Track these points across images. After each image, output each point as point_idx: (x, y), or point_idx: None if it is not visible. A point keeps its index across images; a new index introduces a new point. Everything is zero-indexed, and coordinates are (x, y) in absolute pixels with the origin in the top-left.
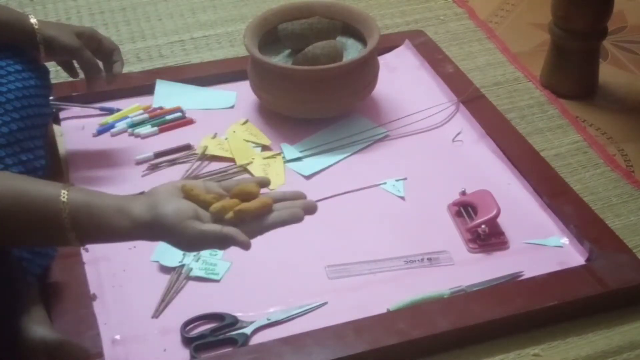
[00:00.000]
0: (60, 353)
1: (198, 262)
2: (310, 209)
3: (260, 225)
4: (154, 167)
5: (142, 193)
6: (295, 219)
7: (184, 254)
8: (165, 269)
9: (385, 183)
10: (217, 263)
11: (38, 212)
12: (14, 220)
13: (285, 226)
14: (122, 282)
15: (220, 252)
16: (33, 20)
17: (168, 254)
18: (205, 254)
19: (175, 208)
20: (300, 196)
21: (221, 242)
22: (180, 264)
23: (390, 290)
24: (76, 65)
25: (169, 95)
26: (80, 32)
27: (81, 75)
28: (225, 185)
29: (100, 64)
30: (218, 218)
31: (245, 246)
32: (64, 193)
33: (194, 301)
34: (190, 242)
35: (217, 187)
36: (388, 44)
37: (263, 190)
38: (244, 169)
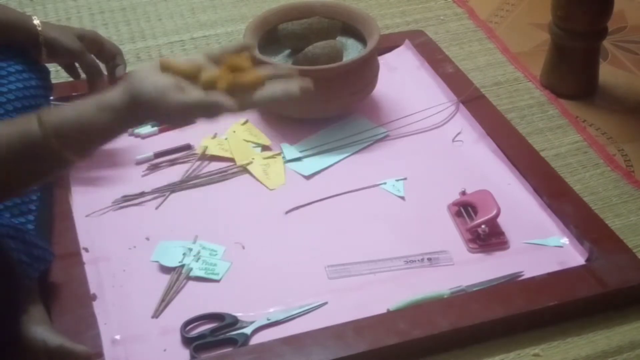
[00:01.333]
0: (60, 354)
1: (198, 262)
2: (305, 85)
3: (251, 98)
4: (154, 167)
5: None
6: (289, 95)
7: (183, 254)
8: (165, 269)
9: (385, 183)
10: (217, 263)
11: (26, 148)
12: (6, 164)
13: (275, 101)
14: (122, 282)
15: (220, 252)
16: (36, 22)
17: (168, 253)
18: (205, 254)
19: (153, 83)
20: (293, 73)
21: (207, 109)
22: (180, 264)
23: (390, 290)
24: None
25: None
26: (83, 35)
27: (83, 76)
28: (210, 54)
29: (103, 66)
30: (209, 89)
31: (233, 110)
32: (37, 117)
33: (194, 301)
34: (174, 114)
35: (200, 57)
36: (388, 44)
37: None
38: (243, 169)
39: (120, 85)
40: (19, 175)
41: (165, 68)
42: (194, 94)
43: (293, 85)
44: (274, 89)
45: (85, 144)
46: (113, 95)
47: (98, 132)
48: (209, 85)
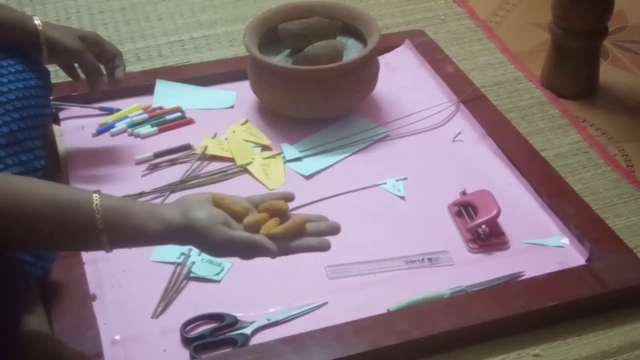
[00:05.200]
0: (55, 356)
1: (198, 262)
2: (335, 230)
3: (288, 246)
4: (154, 167)
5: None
6: (323, 248)
7: (183, 254)
8: (165, 269)
9: (385, 183)
10: (217, 263)
11: (72, 215)
12: (48, 224)
13: (311, 252)
14: (122, 282)
15: None
16: (37, 22)
17: (168, 254)
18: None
19: (207, 213)
20: (323, 217)
21: (250, 248)
22: (178, 259)
23: (390, 290)
24: (78, 69)
25: (168, 95)
26: (84, 36)
27: (82, 77)
28: (252, 199)
29: (102, 68)
30: (250, 231)
31: (273, 254)
32: (95, 197)
33: (194, 301)
34: (219, 246)
35: (245, 201)
36: (388, 44)
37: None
38: (243, 169)
39: (177, 206)
40: (53, 236)
41: (217, 203)
42: (240, 231)
43: (327, 240)
44: (310, 241)
45: (124, 239)
46: (169, 211)
47: (142, 235)
48: (252, 227)
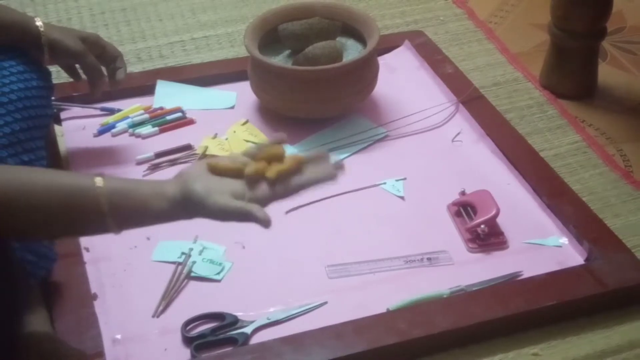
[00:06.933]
0: (56, 355)
1: (198, 261)
2: (339, 167)
3: (297, 184)
4: (155, 167)
5: None
6: (330, 178)
7: (184, 254)
8: (166, 269)
9: (385, 183)
10: (218, 263)
11: (76, 201)
12: (54, 211)
13: (319, 184)
14: (123, 281)
15: (221, 252)
16: (38, 23)
17: (168, 253)
18: (205, 253)
19: (204, 184)
20: (325, 155)
21: (244, 217)
22: (179, 259)
23: (390, 290)
24: (79, 69)
25: (169, 95)
26: (85, 37)
27: (83, 77)
28: (249, 153)
29: (103, 69)
30: (253, 182)
31: (266, 224)
32: (98, 181)
33: (195, 301)
34: (218, 215)
35: (242, 156)
36: (388, 45)
37: None
38: None
39: (176, 180)
40: (58, 223)
41: (213, 169)
42: (235, 201)
43: (332, 169)
44: (316, 173)
45: (130, 219)
46: (170, 187)
47: (146, 213)
48: (254, 178)
